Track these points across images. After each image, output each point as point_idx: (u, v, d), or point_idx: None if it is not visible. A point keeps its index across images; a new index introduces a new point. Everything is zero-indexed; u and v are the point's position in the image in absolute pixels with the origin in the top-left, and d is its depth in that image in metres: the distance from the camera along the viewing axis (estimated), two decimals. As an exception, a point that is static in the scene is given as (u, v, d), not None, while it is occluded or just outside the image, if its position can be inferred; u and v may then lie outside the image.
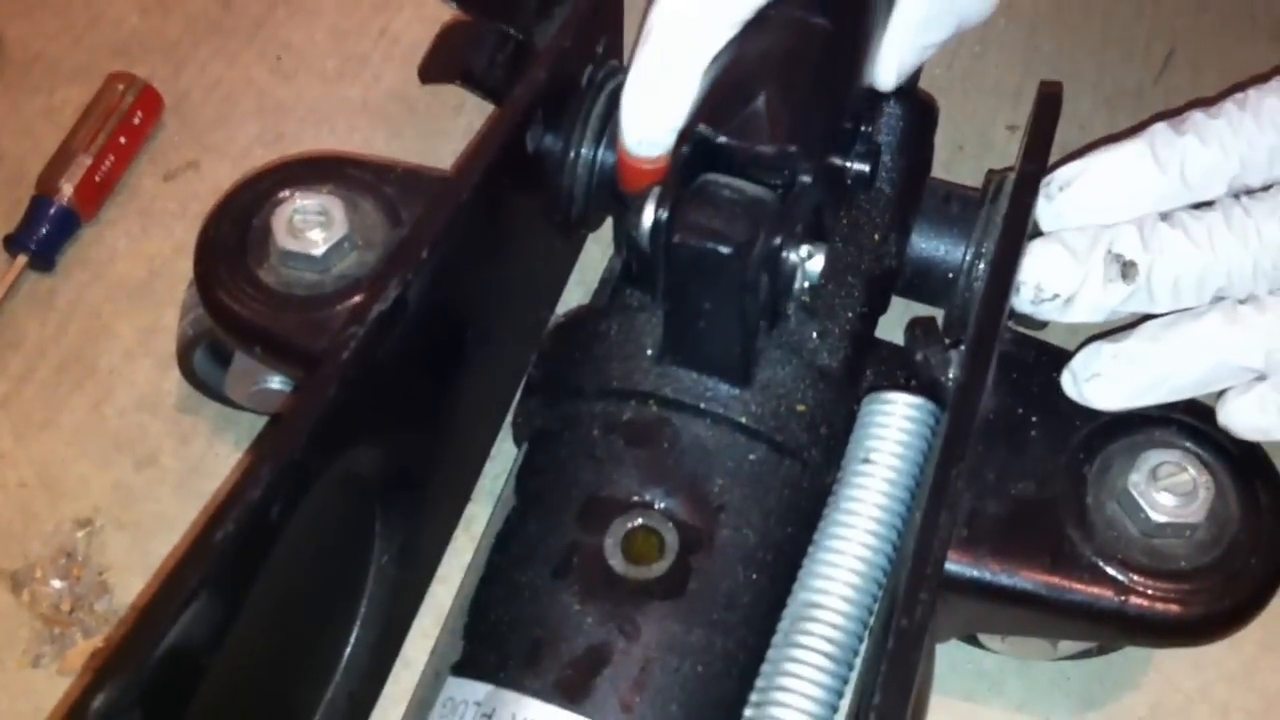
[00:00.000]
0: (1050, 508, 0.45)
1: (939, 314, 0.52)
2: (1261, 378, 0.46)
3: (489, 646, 0.42)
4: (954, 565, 0.43)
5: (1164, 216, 0.47)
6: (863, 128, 0.50)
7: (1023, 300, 0.48)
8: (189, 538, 0.38)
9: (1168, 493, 0.44)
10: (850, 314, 0.48)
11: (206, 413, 0.59)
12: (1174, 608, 0.44)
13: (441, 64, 0.59)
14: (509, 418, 0.53)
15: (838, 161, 0.48)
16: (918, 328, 0.48)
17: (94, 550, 0.55)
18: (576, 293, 0.61)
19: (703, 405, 0.45)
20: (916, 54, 0.50)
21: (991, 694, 0.52)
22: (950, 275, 0.51)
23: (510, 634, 0.42)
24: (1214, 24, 0.72)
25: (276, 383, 0.54)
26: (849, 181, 0.48)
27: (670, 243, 0.42)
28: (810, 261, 0.43)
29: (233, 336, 0.50)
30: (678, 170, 0.44)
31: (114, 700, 0.33)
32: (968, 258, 0.51)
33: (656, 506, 0.44)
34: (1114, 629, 0.45)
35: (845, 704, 0.42)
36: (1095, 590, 0.44)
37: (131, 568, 0.55)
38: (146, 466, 0.58)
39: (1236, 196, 0.47)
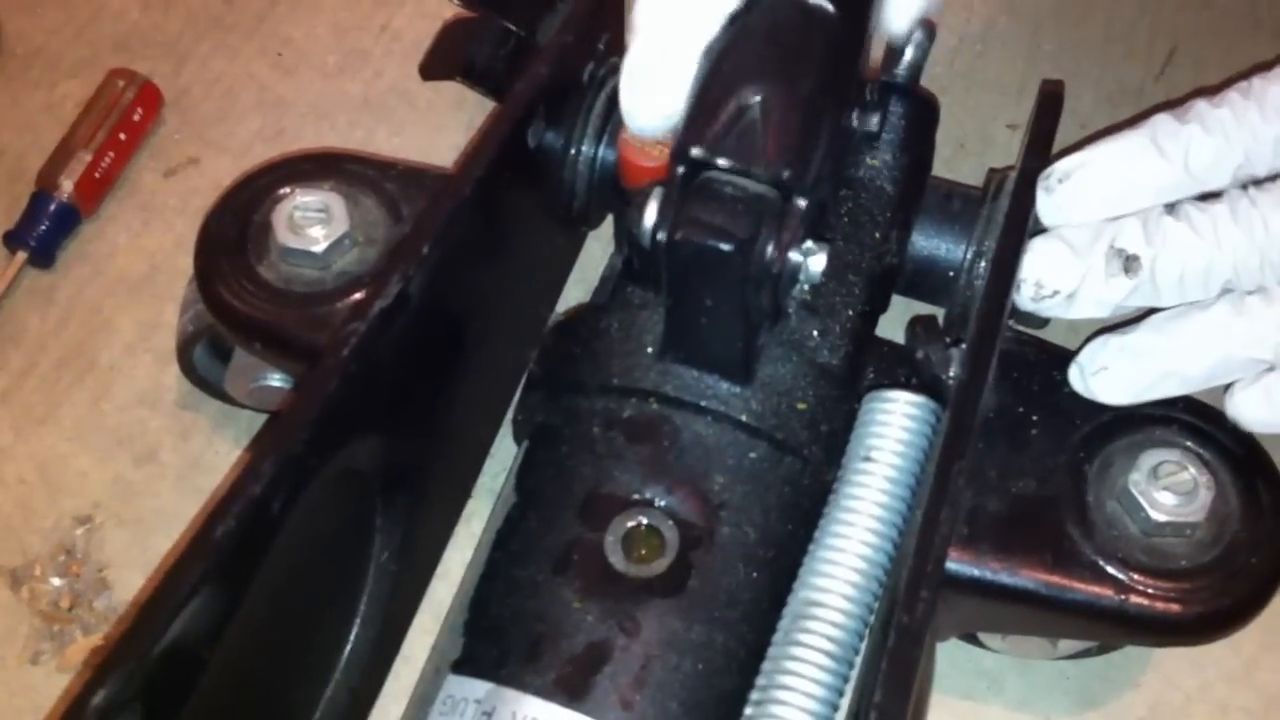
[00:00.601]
0: (1051, 506, 0.45)
1: (940, 313, 0.52)
2: (1270, 369, 0.46)
3: (489, 643, 0.42)
4: (954, 563, 0.43)
5: (1169, 209, 0.47)
6: (869, 88, 0.49)
7: (1024, 298, 0.48)
8: (189, 534, 0.38)
9: (1168, 492, 0.44)
10: (851, 312, 0.48)
11: (207, 409, 0.59)
12: (1174, 607, 0.44)
13: (443, 60, 0.59)
14: (509, 415, 0.53)
15: (845, 119, 0.47)
16: (918, 325, 0.48)
17: (93, 547, 0.55)
18: (577, 291, 0.60)
19: (703, 403, 0.45)
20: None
21: (991, 693, 0.52)
22: (951, 273, 0.51)
23: (510, 631, 0.42)
24: (1216, 21, 0.72)
25: (276, 379, 0.54)
26: (855, 138, 0.48)
27: (672, 240, 0.42)
28: (812, 259, 0.43)
29: (233, 333, 0.50)
30: (678, 180, 0.43)
31: (114, 696, 0.33)
32: (969, 256, 0.51)
33: (657, 504, 0.44)
34: (1114, 628, 0.45)
35: (846, 702, 0.42)
36: (1095, 589, 0.44)
37: (131, 564, 0.55)
38: (146, 463, 0.58)
39: (1244, 188, 0.46)
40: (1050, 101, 0.50)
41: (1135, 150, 0.47)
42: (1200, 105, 0.47)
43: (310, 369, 0.42)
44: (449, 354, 0.49)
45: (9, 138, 0.67)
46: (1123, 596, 0.44)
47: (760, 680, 0.41)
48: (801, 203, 0.42)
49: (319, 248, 0.49)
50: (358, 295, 0.48)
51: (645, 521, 0.43)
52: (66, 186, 0.63)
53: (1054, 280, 0.47)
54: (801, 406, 0.46)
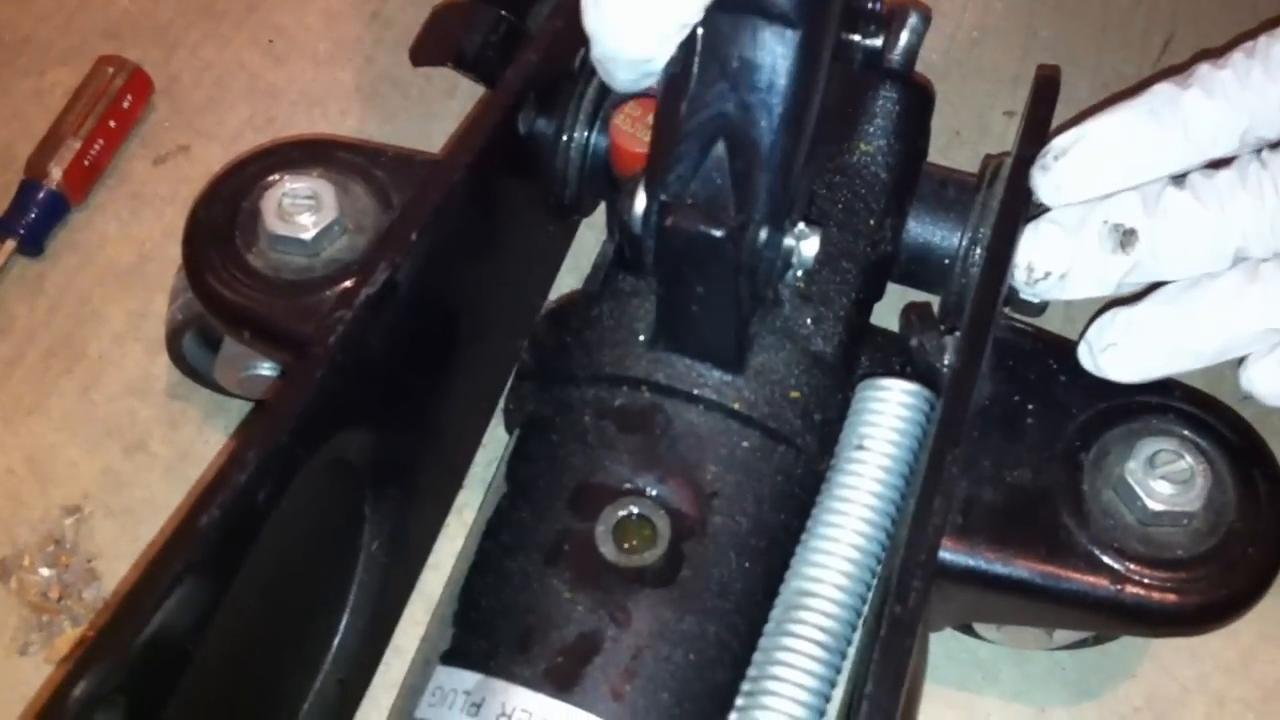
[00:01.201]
0: (1046, 496, 0.45)
1: (935, 300, 0.52)
2: None
3: (479, 634, 0.42)
4: (949, 553, 0.43)
5: (1175, 180, 0.45)
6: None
7: (1018, 282, 0.47)
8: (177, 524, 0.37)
9: (1165, 481, 0.44)
10: (845, 299, 0.48)
11: (196, 399, 0.58)
12: (1170, 597, 0.43)
13: (433, 47, 0.58)
14: (501, 404, 0.53)
15: (846, 37, 0.45)
16: (913, 313, 0.47)
17: (82, 538, 0.55)
18: (570, 279, 0.60)
19: (695, 391, 0.44)
20: None
21: (987, 683, 0.52)
22: (946, 261, 0.51)
23: (500, 622, 0.42)
24: (1213, 9, 0.71)
25: (266, 368, 0.54)
26: (858, 58, 0.46)
27: (662, 227, 0.41)
28: (804, 243, 0.42)
29: (222, 321, 0.50)
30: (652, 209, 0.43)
31: (95, 688, 0.33)
32: (964, 243, 0.50)
33: (649, 493, 0.43)
34: (1110, 618, 0.45)
35: (838, 694, 0.42)
36: (1091, 579, 0.43)
37: (120, 555, 0.55)
38: (136, 452, 0.57)
39: (1257, 152, 0.44)
40: (1046, 87, 0.50)
41: (1133, 121, 0.46)
42: (1202, 68, 0.45)
43: (297, 358, 0.42)
44: (439, 343, 0.49)
45: (-3, 126, 0.66)
46: (1119, 586, 0.43)
47: (752, 671, 0.41)
48: (763, 233, 0.42)
49: (308, 235, 0.49)
50: (347, 283, 0.48)
51: (636, 511, 0.43)
52: (55, 174, 0.62)
53: (1046, 262, 0.46)
54: (795, 395, 0.45)
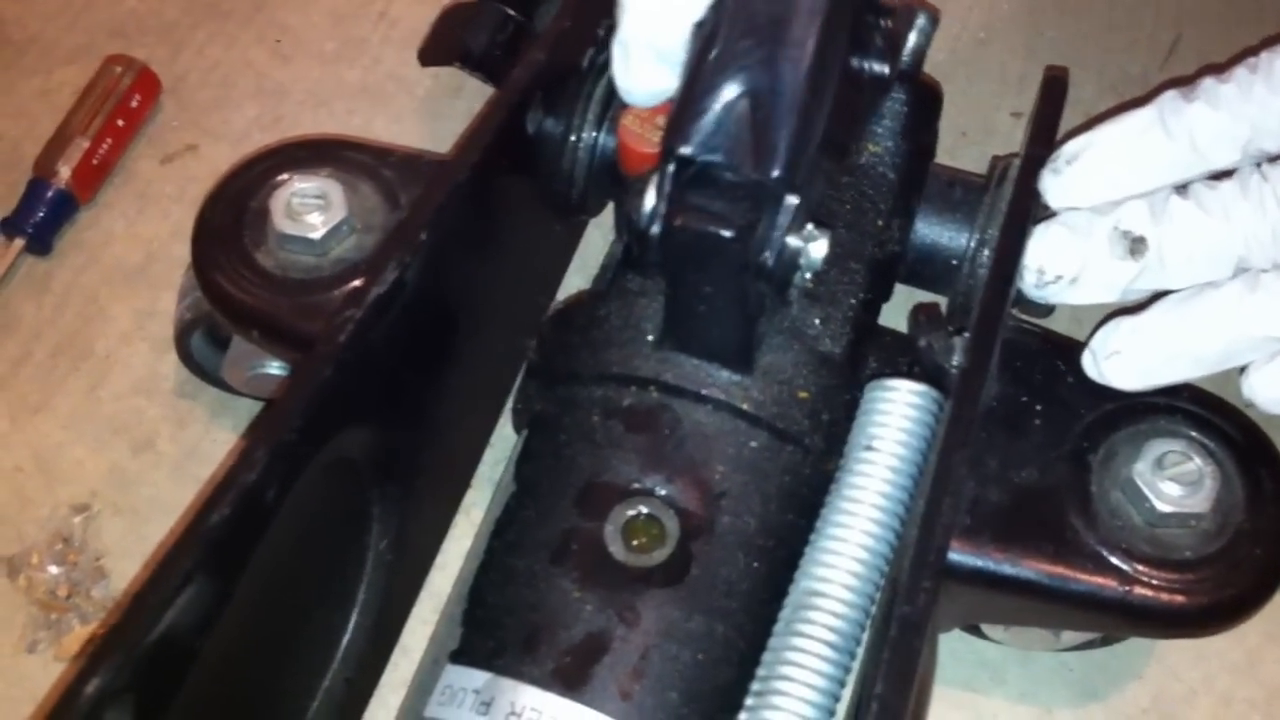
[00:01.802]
0: (1054, 496, 0.45)
1: (943, 301, 0.52)
2: None
3: (487, 633, 0.42)
4: (956, 554, 0.43)
5: (1178, 189, 0.46)
6: (882, 21, 0.48)
7: (1028, 284, 0.47)
8: (185, 522, 0.37)
9: (1173, 482, 0.44)
10: (853, 300, 0.48)
11: (204, 397, 0.58)
12: (1178, 598, 0.43)
13: (441, 46, 0.58)
14: (509, 404, 0.53)
15: (855, 63, 0.46)
16: (921, 314, 0.47)
17: (90, 535, 0.55)
18: (578, 279, 0.60)
19: (703, 391, 0.44)
20: None
21: (993, 684, 0.52)
22: (954, 262, 0.51)
23: (508, 621, 0.42)
24: (1220, 10, 0.71)
25: (274, 367, 0.54)
26: (865, 85, 0.47)
27: (670, 227, 0.41)
28: (813, 245, 0.42)
29: (230, 320, 0.50)
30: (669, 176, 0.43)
31: (107, 684, 0.33)
32: (971, 244, 0.50)
33: (657, 493, 0.43)
34: (1117, 619, 0.45)
35: (847, 693, 0.42)
36: (1099, 580, 0.43)
37: (128, 553, 0.55)
38: (143, 451, 0.57)
39: (1257, 164, 0.45)
40: (1054, 89, 0.50)
41: (1141, 130, 0.47)
42: (1206, 82, 0.46)
43: (305, 356, 0.42)
44: (447, 342, 0.49)
45: (5, 125, 0.66)
46: (1126, 588, 0.43)
47: (761, 671, 0.41)
48: (793, 200, 0.42)
49: (317, 234, 0.49)
50: (355, 282, 0.48)
51: (645, 510, 0.43)
52: (64, 173, 0.62)
53: (1056, 265, 0.46)
54: (803, 395, 0.45)
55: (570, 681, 0.40)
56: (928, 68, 0.54)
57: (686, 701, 0.41)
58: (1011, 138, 0.66)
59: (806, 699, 0.40)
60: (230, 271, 0.49)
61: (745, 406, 0.44)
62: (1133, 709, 0.52)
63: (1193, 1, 0.72)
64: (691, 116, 0.43)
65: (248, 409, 0.58)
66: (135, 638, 0.34)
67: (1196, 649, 0.52)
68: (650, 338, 0.45)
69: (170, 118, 0.67)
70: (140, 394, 0.59)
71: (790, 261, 0.42)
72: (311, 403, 0.40)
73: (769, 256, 0.42)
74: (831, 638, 0.41)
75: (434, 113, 0.67)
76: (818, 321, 0.47)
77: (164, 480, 0.56)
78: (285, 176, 0.50)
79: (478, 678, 0.41)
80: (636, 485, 0.43)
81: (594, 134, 0.51)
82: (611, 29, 0.53)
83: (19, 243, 0.61)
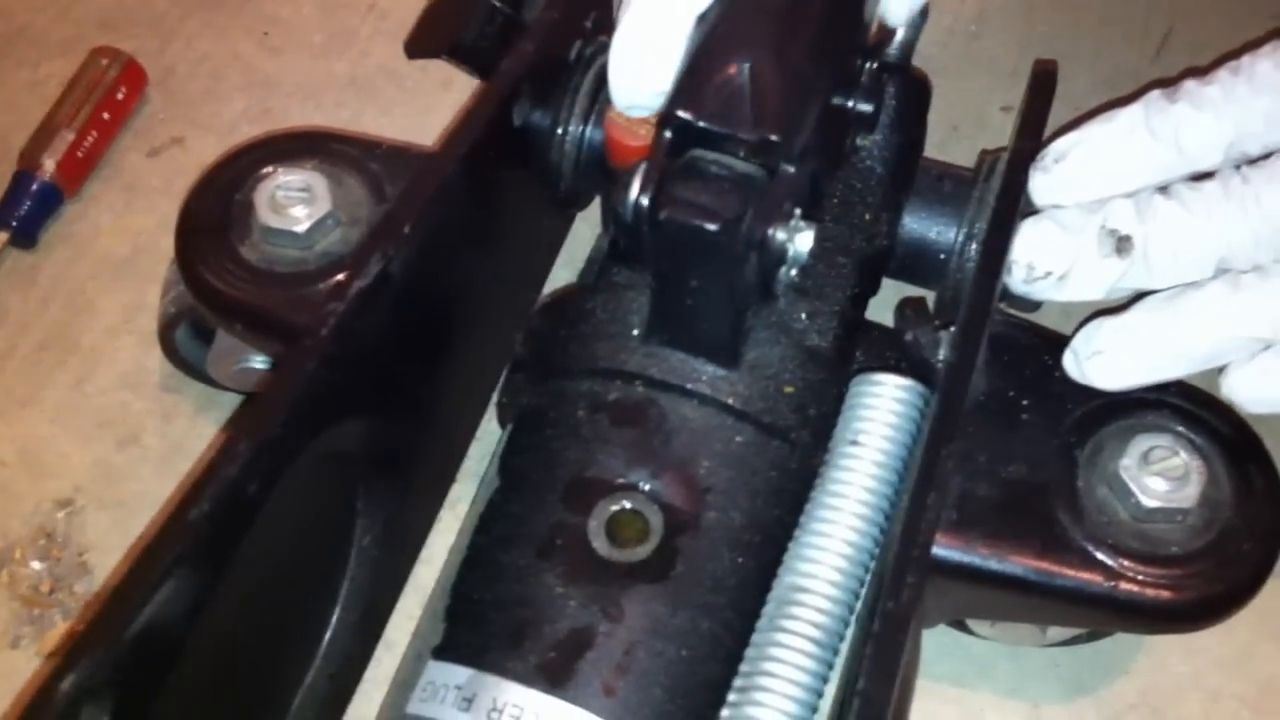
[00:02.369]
0: (1041, 492, 0.44)
1: (931, 296, 0.52)
2: (1266, 348, 0.45)
3: (470, 629, 0.42)
4: (943, 549, 0.43)
5: (1161, 189, 0.46)
6: (869, 64, 0.48)
7: (1016, 280, 0.47)
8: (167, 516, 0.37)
9: (1159, 477, 0.44)
10: (841, 294, 0.47)
11: (189, 391, 0.58)
12: (1165, 593, 0.43)
13: (429, 38, 0.58)
14: (495, 398, 0.53)
15: (840, 100, 0.46)
16: (908, 308, 0.47)
17: (74, 530, 0.55)
18: (565, 273, 0.60)
19: (690, 386, 0.44)
20: None
21: (981, 679, 0.52)
22: (942, 256, 0.51)
23: (492, 616, 0.42)
24: (1212, 4, 0.71)
25: (259, 362, 0.54)
26: (851, 121, 0.47)
27: (657, 219, 0.41)
28: (799, 237, 0.42)
29: (215, 314, 0.50)
30: (664, 148, 0.43)
31: (83, 681, 0.33)
32: (960, 238, 0.50)
33: (642, 488, 0.43)
34: (1104, 614, 0.44)
35: (831, 689, 0.42)
36: (1085, 575, 0.43)
37: (112, 548, 0.54)
38: (128, 445, 0.57)
39: (1237, 166, 0.46)
40: (1043, 82, 0.50)
41: (1127, 131, 0.47)
42: (1190, 84, 0.47)
43: (289, 350, 0.41)
44: (433, 335, 0.48)
45: (-8, 116, 0.66)
46: (1113, 583, 0.43)
47: (744, 666, 0.41)
48: (789, 169, 0.42)
49: (301, 228, 0.48)
50: (340, 276, 0.47)
51: (630, 506, 0.42)
52: (49, 166, 0.62)
53: (1046, 262, 0.46)
54: (789, 390, 0.45)
55: (554, 678, 0.40)
56: (918, 61, 0.54)
57: (671, 698, 0.40)
58: (1003, 132, 0.65)
59: (790, 694, 0.40)
60: (214, 265, 0.48)
61: (731, 401, 0.44)
62: (1121, 704, 0.51)
63: (1183, -5, 0.72)
64: (693, 86, 0.43)
65: (233, 404, 0.57)
66: (114, 634, 0.34)
67: (1185, 644, 0.52)
68: (636, 332, 0.45)
69: (158, 110, 0.67)
70: (126, 388, 0.58)
71: (777, 254, 0.42)
72: (295, 397, 0.40)
73: (754, 259, 0.42)
74: (815, 633, 0.41)
75: (423, 105, 0.67)
76: (805, 316, 0.46)
77: (149, 475, 0.56)
78: (270, 169, 0.50)
79: (460, 674, 0.40)
80: (622, 480, 0.43)
81: (581, 127, 0.51)
82: (600, 22, 0.53)
83: (3, 236, 0.61)
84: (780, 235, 0.42)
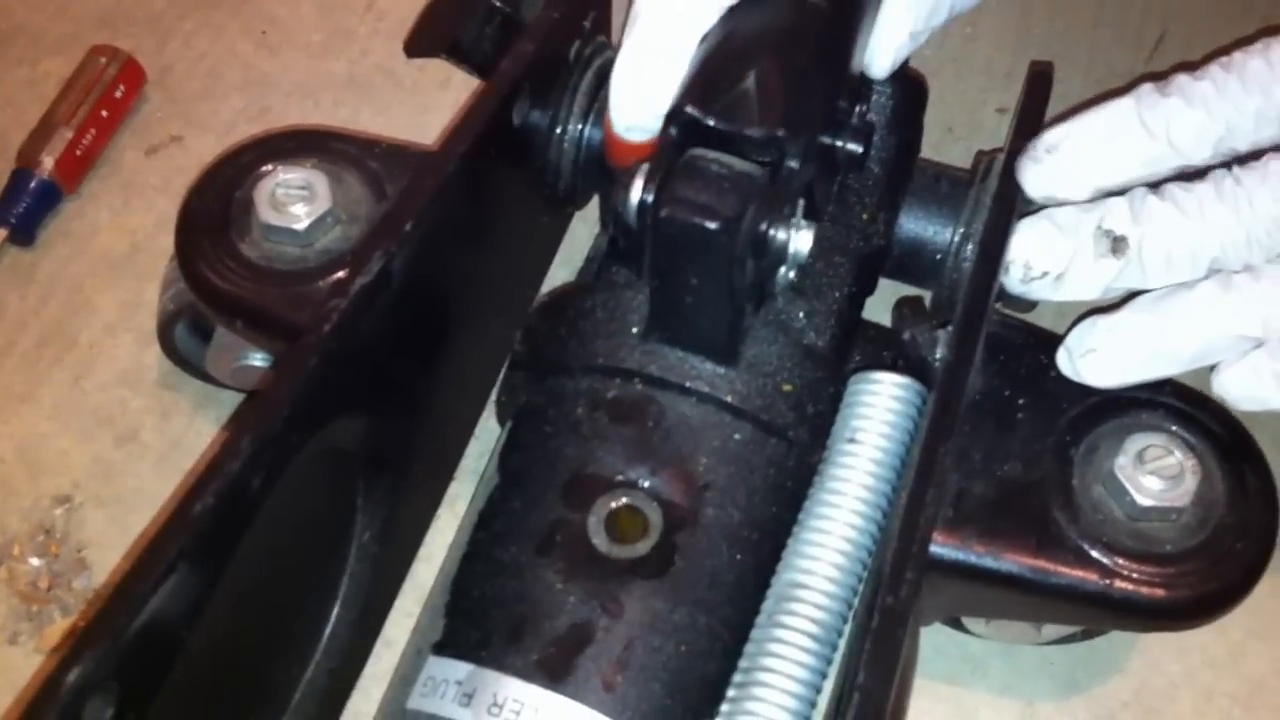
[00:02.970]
0: (1036, 490, 0.45)
1: (927, 296, 0.52)
2: (1257, 347, 0.45)
3: (471, 624, 0.42)
4: (939, 547, 0.43)
5: (1154, 189, 0.47)
6: (857, 108, 0.49)
7: (1012, 279, 0.47)
8: (169, 512, 0.37)
9: (1154, 476, 0.44)
10: (838, 293, 0.48)
11: (188, 389, 0.58)
12: (1159, 591, 0.43)
13: (428, 37, 0.58)
14: (493, 396, 0.53)
15: (829, 140, 0.47)
16: (905, 307, 0.47)
17: (73, 527, 0.55)
18: (563, 273, 0.60)
19: (688, 384, 0.45)
20: (910, 40, 0.49)
21: (975, 677, 0.52)
22: (938, 256, 0.51)
23: (492, 612, 0.42)
24: (1206, 6, 0.71)
25: (258, 359, 0.54)
26: (840, 161, 0.48)
27: (657, 217, 0.42)
28: (799, 238, 0.43)
29: (214, 311, 0.50)
30: (666, 147, 0.43)
31: (90, 673, 0.33)
32: (956, 238, 0.50)
33: (641, 485, 0.43)
34: (1099, 612, 0.45)
35: (828, 688, 0.42)
36: (1080, 573, 0.44)
37: (111, 545, 0.54)
38: (127, 442, 0.57)
39: (1229, 166, 0.46)
40: (1039, 83, 0.50)
41: (1118, 123, 0.47)
42: (1181, 79, 0.47)
43: (291, 347, 0.42)
44: (432, 332, 0.49)
45: (-9, 114, 0.66)
46: (1107, 581, 0.43)
47: (743, 662, 0.41)
48: (794, 164, 0.42)
49: (301, 225, 0.48)
50: (340, 273, 0.48)
51: (629, 502, 0.43)
52: (48, 163, 0.62)
53: (1042, 261, 0.47)
54: (787, 388, 0.45)
55: (553, 673, 0.40)
56: (914, 62, 0.54)
57: (670, 693, 0.41)
58: (998, 133, 0.66)
59: (788, 689, 0.40)
60: (214, 262, 0.49)
61: (730, 399, 0.44)
62: (1114, 702, 0.52)
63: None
64: (701, 82, 0.44)
65: (231, 401, 0.58)
66: (118, 627, 0.34)
67: (1178, 643, 0.53)
68: (636, 330, 0.45)
69: (156, 108, 0.67)
70: (124, 385, 0.59)
71: (777, 253, 0.43)
72: (297, 393, 0.40)
73: (753, 258, 0.42)
74: (814, 629, 0.41)
75: (421, 105, 0.67)
76: (803, 315, 0.47)
77: (147, 472, 0.56)
78: (270, 167, 0.50)
79: (460, 669, 0.41)
80: (621, 477, 0.43)
81: (580, 126, 0.51)
82: (598, 21, 0.53)
83: (2, 233, 0.61)
84: (780, 235, 0.42)
